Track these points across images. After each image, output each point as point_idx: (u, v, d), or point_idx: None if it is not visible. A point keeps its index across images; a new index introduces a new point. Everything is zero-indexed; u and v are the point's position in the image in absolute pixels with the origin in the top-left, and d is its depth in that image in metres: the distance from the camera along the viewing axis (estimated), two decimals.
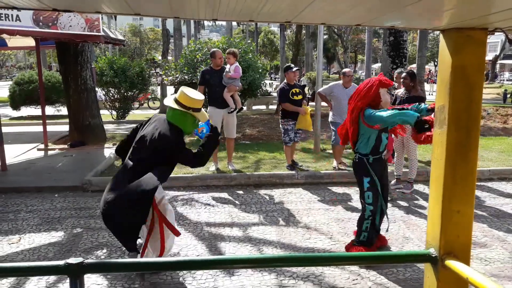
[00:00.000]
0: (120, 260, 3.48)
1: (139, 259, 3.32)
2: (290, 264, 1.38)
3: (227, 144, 6.96)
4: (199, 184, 6.39)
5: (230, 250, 4.21)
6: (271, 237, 4.51)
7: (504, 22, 1.36)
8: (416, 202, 5.70)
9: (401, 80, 6.23)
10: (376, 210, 4.00)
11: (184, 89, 3.57)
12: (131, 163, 3.42)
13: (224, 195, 5.97)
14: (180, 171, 6.70)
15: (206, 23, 54.11)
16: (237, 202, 5.67)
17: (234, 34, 27.28)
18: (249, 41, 12.82)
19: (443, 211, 1.42)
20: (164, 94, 16.81)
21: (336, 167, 6.92)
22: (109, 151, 8.19)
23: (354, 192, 6.06)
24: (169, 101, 3.57)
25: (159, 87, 19.31)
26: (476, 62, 1.37)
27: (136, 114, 14.82)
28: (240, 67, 6.52)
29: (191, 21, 39.22)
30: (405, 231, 4.71)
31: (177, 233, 3.47)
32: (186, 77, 9.22)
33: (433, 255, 1.43)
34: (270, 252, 4.19)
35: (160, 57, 36.18)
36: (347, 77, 6.92)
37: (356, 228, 4.17)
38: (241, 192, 6.12)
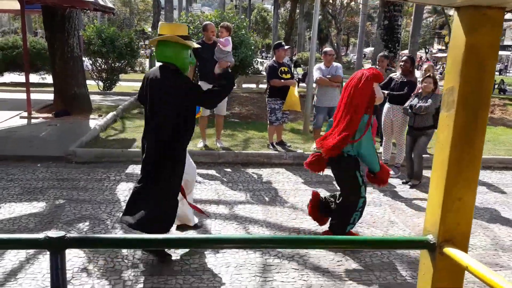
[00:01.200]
0: (104, 235, 3.42)
1: (123, 235, 3.25)
2: (281, 246, 1.32)
3: (216, 121, 6.85)
4: None
5: (216, 228, 4.16)
6: (258, 216, 4.48)
7: None
8: (402, 187, 5.72)
9: (401, 63, 6.20)
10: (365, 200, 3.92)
11: (162, 22, 3.33)
12: (154, 132, 3.24)
13: (212, 172, 5.90)
14: None
15: None
16: (224, 180, 5.61)
17: (226, 9, 26.70)
18: (243, 16, 12.56)
19: (445, 198, 1.37)
20: (153, 66, 16.52)
21: (315, 149, 6.87)
22: (94, 122, 8.01)
23: None
24: (154, 41, 3.20)
25: (147, 60, 18.93)
26: (491, 43, 1.29)
27: (123, 86, 14.51)
28: (230, 41, 6.34)
29: None
30: (391, 215, 4.73)
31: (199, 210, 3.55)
32: None
33: (431, 242, 1.39)
34: (256, 231, 4.16)
35: (150, 29, 35.41)
36: (329, 56, 6.81)
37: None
38: (228, 170, 6.06)
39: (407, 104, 5.65)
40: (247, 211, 4.59)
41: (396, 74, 6.31)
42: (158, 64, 3.29)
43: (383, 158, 6.33)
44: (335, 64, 6.84)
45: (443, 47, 57.57)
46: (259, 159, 6.42)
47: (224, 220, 4.34)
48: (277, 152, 6.66)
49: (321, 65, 6.85)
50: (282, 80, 6.54)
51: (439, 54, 57.40)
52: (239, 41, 9.07)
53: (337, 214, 3.93)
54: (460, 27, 1.33)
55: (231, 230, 4.11)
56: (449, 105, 1.36)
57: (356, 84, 3.58)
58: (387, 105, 6.17)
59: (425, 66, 7.37)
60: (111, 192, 4.95)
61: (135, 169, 5.82)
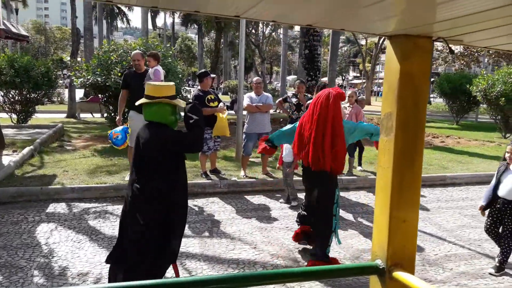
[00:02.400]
0: None
1: None
2: (220, 286, 1.23)
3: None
4: (113, 194, 5.93)
5: None
6: (194, 250, 4.30)
7: (446, 32, 1.38)
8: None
9: (315, 92, 6.60)
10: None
11: (149, 83, 3.28)
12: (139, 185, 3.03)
13: None
14: (91, 181, 6.19)
15: (119, 24, 51.82)
16: None
17: (149, 38, 26.43)
18: (168, 45, 12.47)
19: (390, 221, 1.39)
20: (72, 97, 15.62)
21: (244, 176, 6.88)
22: (8, 158, 7.29)
23: (275, 201, 6.08)
24: (140, 101, 3.20)
25: (66, 90, 17.93)
26: (423, 69, 1.37)
27: (40, 118, 13.53)
28: (161, 70, 6.22)
29: (103, 21, 37.31)
30: None
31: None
32: (99, 79, 8.61)
33: (381, 267, 1.39)
34: (193, 265, 3.97)
35: (68, 58, 33.75)
36: (256, 84, 7.10)
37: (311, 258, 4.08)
38: None
39: None
40: (183, 245, 4.36)
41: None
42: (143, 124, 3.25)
43: None
44: (265, 94, 7.05)
45: (358, 74, 61.89)
46: (192, 189, 6.23)
47: None
48: (210, 181, 6.54)
49: (252, 94, 7.01)
50: (210, 109, 6.51)
51: (355, 81, 61.52)
52: (166, 69, 8.94)
53: (317, 241, 4.06)
54: (394, 55, 1.39)
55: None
56: (388, 130, 1.40)
57: (325, 103, 3.84)
58: None
59: (349, 92, 7.82)
60: (30, 235, 4.48)
61: (57, 207, 5.35)
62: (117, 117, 6.42)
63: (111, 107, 9.21)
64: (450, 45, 1.43)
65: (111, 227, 4.79)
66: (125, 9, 47.57)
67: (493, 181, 4.12)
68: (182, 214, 3.19)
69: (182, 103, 3.22)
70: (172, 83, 3.26)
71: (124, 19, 48.78)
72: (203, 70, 6.90)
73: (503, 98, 12.78)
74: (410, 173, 1.39)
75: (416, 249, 1.44)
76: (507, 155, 4.02)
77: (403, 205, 1.40)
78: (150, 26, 48.68)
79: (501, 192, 4.01)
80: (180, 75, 9.55)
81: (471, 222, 5.47)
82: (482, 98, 13.79)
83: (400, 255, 1.39)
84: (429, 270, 4.11)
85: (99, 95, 10.03)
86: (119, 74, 8.38)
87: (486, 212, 4.19)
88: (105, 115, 9.98)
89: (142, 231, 2.99)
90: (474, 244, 4.75)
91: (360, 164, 7.83)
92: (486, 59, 26.55)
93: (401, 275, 1.33)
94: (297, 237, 4.52)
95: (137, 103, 3.38)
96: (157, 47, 9.38)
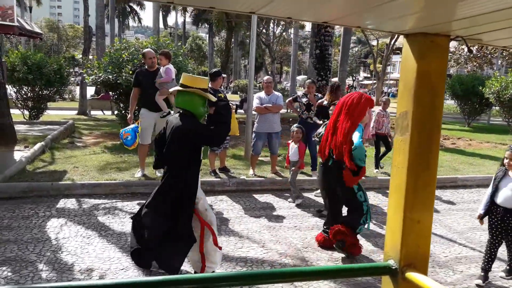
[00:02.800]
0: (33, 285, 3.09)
1: (52, 284, 2.94)
2: (227, 284, 1.23)
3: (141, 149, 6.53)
4: (123, 191, 5.97)
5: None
6: None
7: (464, 31, 1.35)
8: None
9: (328, 91, 6.55)
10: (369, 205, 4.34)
11: (185, 74, 3.53)
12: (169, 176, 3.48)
13: None
14: (101, 177, 6.23)
15: (131, 23, 52.14)
16: None
17: (161, 36, 26.54)
18: (179, 44, 12.51)
19: (404, 221, 1.37)
20: (83, 94, 15.74)
21: (253, 175, 6.86)
22: (20, 154, 7.38)
23: (283, 200, 6.07)
24: (175, 88, 3.53)
25: (78, 87, 18.09)
26: (440, 68, 1.34)
27: (52, 114, 13.67)
28: (172, 69, 6.23)
29: (115, 20, 37.56)
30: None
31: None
32: (110, 76, 8.66)
33: (393, 267, 1.37)
34: None
35: (80, 56, 34.05)
36: (267, 83, 7.04)
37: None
38: None
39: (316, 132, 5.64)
40: None
41: (324, 101, 6.59)
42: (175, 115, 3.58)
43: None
44: (276, 93, 7.01)
45: (369, 75, 61.52)
46: (202, 187, 6.24)
47: None
48: (219, 179, 6.54)
49: (262, 93, 6.96)
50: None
51: (365, 81, 61.18)
52: (176, 67, 8.96)
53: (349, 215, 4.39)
54: (410, 53, 1.37)
55: None
56: (404, 129, 1.38)
57: (354, 105, 4.12)
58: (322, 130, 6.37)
59: (383, 99, 8.00)
60: (40, 229, 4.52)
61: (67, 203, 5.40)
62: (128, 115, 6.46)
63: (121, 105, 9.26)
64: (468, 44, 1.40)
65: (120, 223, 4.81)
66: (136, 7, 47.87)
67: (490, 188, 3.90)
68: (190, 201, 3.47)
69: (212, 98, 3.46)
70: (206, 78, 3.54)
71: (136, 17, 49.08)
72: (216, 69, 6.92)
73: None
74: (425, 174, 1.37)
75: (430, 250, 1.42)
76: (505, 161, 3.81)
77: (418, 205, 1.38)
78: (161, 25, 48.96)
79: (500, 200, 3.80)
80: (190, 74, 9.57)
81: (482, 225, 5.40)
82: (495, 100, 13.63)
83: (413, 255, 1.37)
84: (439, 272, 4.07)
85: (110, 93, 10.11)
86: (130, 72, 8.42)
87: (485, 220, 4.01)
88: (116, 112, 10.04)
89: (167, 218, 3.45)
90: (485, 247, 4.69)
91: (377, 167, 7.75)
92: (499, 61, 26.20)
93: (414, 275, 1.32)
94: (325, 242, 4.49)
95: (171, 90, 3.68)
96: (168, 46, 9.42)
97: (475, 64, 28.65)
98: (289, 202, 5.98)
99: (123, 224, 4.79)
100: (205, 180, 6.39)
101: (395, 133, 1.43)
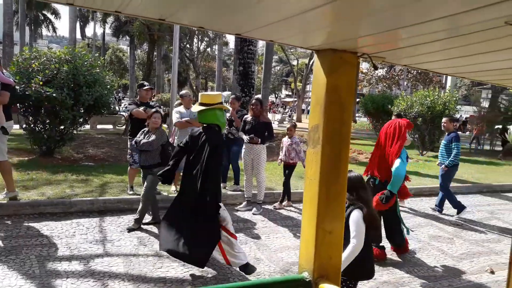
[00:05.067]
0: None
1: None
2: None
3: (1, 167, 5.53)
4: (29, 212, 5.45)
5: None
6: (118, 269, 4.05)
7: (369, 48, 1.43)
8: (264, 223, 5.90)
9: (251, 107, 6.55)
10: None
11: (202, 93, 4.09)
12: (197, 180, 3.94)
13: (61, 224, 5.21)
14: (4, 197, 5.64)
15: (44, 32, 48.85)
16: (77, 232, 4.99)
17: (78, 47, 25.21)
18: (96, 54, 11.95)
19: (317, 232, 1.39)
20: None
21: (175, 191, 6.69)
22: None
23: None
24: (196, 109, 4.08)
25: None
26: (348, 84, 1.40)
27: None
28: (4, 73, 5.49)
29: (26, 28, 34.97)
30: (256, 252, 4.79)
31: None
32: (17, 87, 7.95)
33: (307, 279, 1.38)
34: (117, 286, 3.73)
35: None
36: (185, 98, 6.87)
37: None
38: (83, 220, 5.43)
39: (134, 140, 5.52)
40: (106, 265, 4.12)
41: (248, 117, 6.65)
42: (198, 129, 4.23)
43: (245, 195, 6.50)
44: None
45: (290, 93, 63.86)
46: (118, 206, 5.93)
47: (78, 278, 3.80)
48: (138, 196, 6.25)
49: (181, 108, 6.81)
50: (144, 112, 6.29)
51: (287, 99, 63.38)
52: (93, 79, 8.53)
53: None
54: (321, 69, 1.41)
55: None
56: (315, 142, 1.41)
57: (396, 131, 4.76)
58: (246, 145, 6.42)
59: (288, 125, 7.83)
60: None
61: None
62: None
63: (31, 118, 8.54)
64: (374, 62, 1.48)
65: (24, 247, 4.37)
66: (51, 16, 45.03)
67: None
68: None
69: (228, 107, 4.13)
70: (220, 93, 4.26)
71: (50, 26, 46.10)
72: (141, 82, 6.68)
73: (420, 118, 13.85)
74: (336, 185, 1.41)
75: (341, 261, 1.45)
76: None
77: (330, 216, 1.41)
78: (78, 36, 46.49)
79: None
80: (108, 86, 9.14)
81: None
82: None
83: (326, 267, 1.39)
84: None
85: (18, 105, 9.28)
86: (41, 83, 7.83)
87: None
88: (24, 126, 9.22)
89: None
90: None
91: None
92: (405, 82, 28.73)
93: (327, 287, 1.33)
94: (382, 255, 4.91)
95: (194, 109, 4.22)
96: (84, 57, 8.92)
97: (385, 84, 31.13)
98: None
99: (28, 248, 4.36)
100: (122, 198, 6.08)
101: (308, 146, 1.46)
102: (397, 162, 4.59)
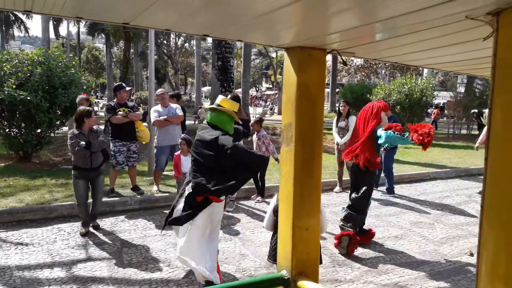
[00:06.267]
0: None
1: None
2: None
3: None
4: (7, 219, 5.33)
5: None
6: (102, 274, 4.01)
7: (338, 44, 1.43)
8: (249, 218, 5.91)
9: None
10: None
11: (222, 96, 3.96)
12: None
13: (41, 230, 5.11)
14: None
15: (16, 33, 47.55)
16: (58, 237, 4.91)
17: (52, 47, 24.62)
18: (71, 55, 11.69)
19: (294, 230, 1.39)
20: None
21: (157, 191, 6.65)
22: None
23: None
24: (210, 106, 3.96)
25: None
26: (318, 81, 1.40)
27: None
28: None
29: None
30: (241, 248, 4.80)
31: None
32: None
33: (286, 277, 1.39)
34: None
35: None
36: (159, 96, 6.72)
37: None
38: (64, 225, 5.34)
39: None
40: (89, 270, 4.07)
41: None
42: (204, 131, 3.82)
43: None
44: (172, 105, 6.77)
45: (271, 86, 63.89)
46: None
47: (60, 285, 3.74)
48: (119, 198, 6.18)
49: (158, 107, 6.72)
50: (121, 116, 6.21)
51: (268, 92, 63.44)
52: (68, 80, 8.35)
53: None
54: (291, 67, 1.41)
55: None
56: (289, 140, 1.41)
57: (370, 112, 4.74)
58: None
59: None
60: None
61: None
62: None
63: (5, 123, 8.32)
64: (343, 57, 1.49)
65: (3, 256, 4.27)
66: (22, 16, 43.83)
67: None
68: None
69: (237, 118, 3.92)
70: (237, 103, 4.02)
71: (22, 27, 44.86)
72: (117, 84, 6.57)
73: (398, 106, 14.05)
74: (310, 182, 1.41)
75: (319, 257, 1.46)
76: None
77: (305, 213, 1.41)
78: (52, 35, 45.40)
79: None
80: (84, 87, 8.97)
81: (375, 222, 5.85)
82: None
83: (304, 264, 1.40)
84: (339, 270, 4.29)
85: None
86: (14, 86, 7.63)
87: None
88: None
89: None
90: (374, 244, 5.10)
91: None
92: (383, 71, 29.06)
93: (305, 284, 1.34)
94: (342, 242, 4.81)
95: (208, 107, 4.06)
96: (58, 57, 8.71)
97: (363, 74, 31.41)
98: None
99: (8, 257, 4.27)
100: (104, 200, 5.98)
101: (282, 145, 1.46)
102: (379, 132, 4.58)
